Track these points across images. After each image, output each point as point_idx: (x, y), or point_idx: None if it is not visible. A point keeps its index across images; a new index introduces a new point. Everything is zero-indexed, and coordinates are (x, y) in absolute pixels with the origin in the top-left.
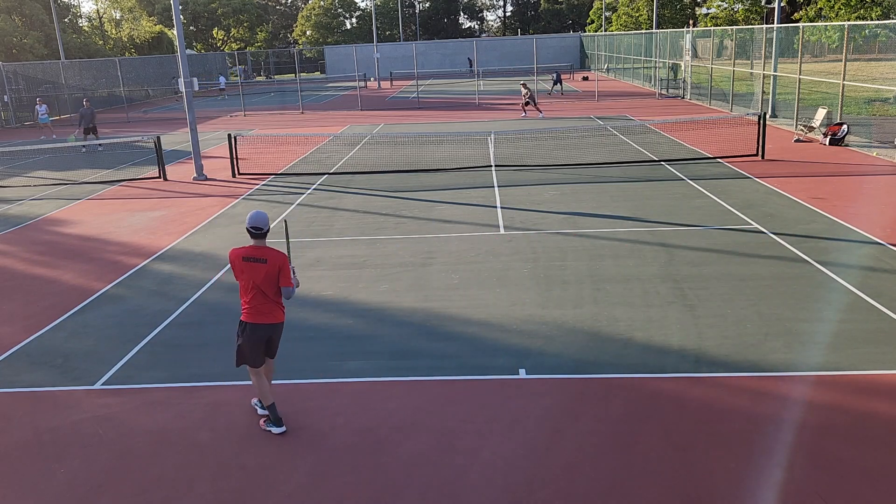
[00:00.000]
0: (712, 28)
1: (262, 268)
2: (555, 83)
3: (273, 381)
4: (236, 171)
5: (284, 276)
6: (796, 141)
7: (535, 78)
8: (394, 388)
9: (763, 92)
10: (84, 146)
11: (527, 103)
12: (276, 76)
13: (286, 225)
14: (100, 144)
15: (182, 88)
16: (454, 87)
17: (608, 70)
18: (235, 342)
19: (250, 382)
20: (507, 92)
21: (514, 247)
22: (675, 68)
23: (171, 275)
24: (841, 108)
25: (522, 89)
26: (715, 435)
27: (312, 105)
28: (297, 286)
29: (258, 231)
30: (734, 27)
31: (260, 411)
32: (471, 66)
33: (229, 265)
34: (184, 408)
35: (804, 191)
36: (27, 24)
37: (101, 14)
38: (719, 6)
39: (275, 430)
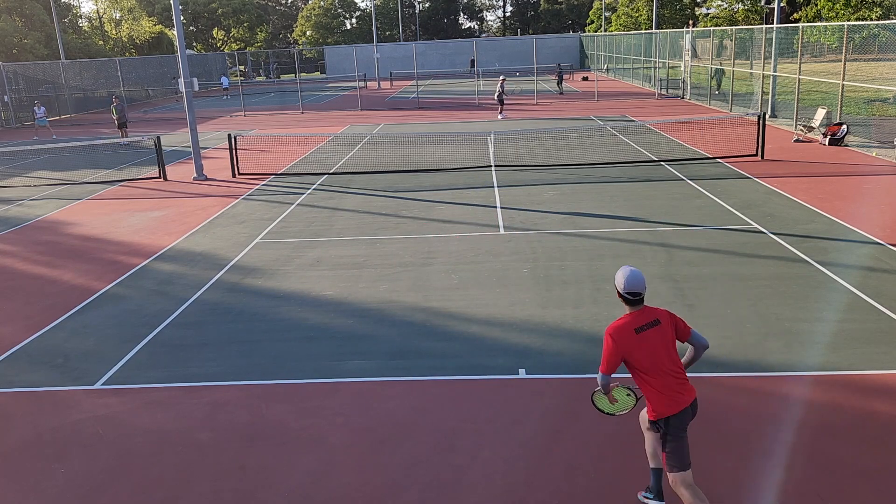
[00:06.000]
0: (712, 28)
1: (658, 331)
2: (559, 82)
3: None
4: (236, 171)
5: (682, 325)
6: (796, 141)
7: (535, 78)
8: (394, 388)
9: (763, 92)
10: (125, 142)
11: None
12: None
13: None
14: (126, 142)
15: (182, 88)
16: (454, 87)
17: (608, 70)
18: (659, 450)
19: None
20: (506, 92)
21: (513, 247)
22: (718, 75)
23: (171, 275)
24: (840, 108)
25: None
26: (715, 435)
27: (312, 105)
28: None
29: (636, 297)
30: (734, 27)
31: None
32: (472, 67)
33: (611, 344)
34: (184, 408)
35: (804, 191)
36: (27, 24)
37: (101, 14)
38: (719, 6)
39: None
